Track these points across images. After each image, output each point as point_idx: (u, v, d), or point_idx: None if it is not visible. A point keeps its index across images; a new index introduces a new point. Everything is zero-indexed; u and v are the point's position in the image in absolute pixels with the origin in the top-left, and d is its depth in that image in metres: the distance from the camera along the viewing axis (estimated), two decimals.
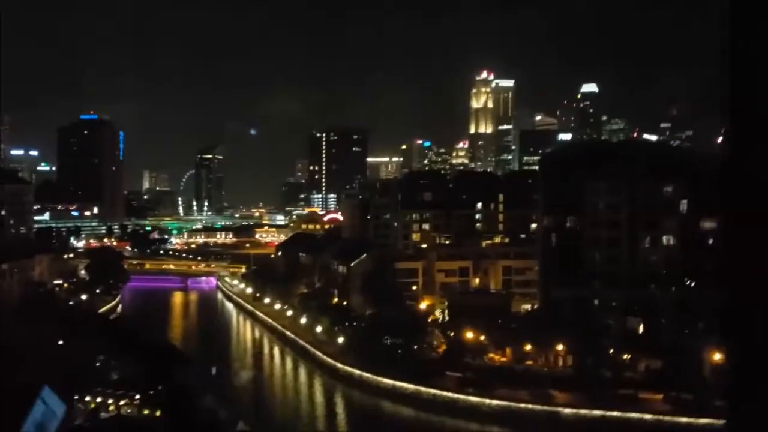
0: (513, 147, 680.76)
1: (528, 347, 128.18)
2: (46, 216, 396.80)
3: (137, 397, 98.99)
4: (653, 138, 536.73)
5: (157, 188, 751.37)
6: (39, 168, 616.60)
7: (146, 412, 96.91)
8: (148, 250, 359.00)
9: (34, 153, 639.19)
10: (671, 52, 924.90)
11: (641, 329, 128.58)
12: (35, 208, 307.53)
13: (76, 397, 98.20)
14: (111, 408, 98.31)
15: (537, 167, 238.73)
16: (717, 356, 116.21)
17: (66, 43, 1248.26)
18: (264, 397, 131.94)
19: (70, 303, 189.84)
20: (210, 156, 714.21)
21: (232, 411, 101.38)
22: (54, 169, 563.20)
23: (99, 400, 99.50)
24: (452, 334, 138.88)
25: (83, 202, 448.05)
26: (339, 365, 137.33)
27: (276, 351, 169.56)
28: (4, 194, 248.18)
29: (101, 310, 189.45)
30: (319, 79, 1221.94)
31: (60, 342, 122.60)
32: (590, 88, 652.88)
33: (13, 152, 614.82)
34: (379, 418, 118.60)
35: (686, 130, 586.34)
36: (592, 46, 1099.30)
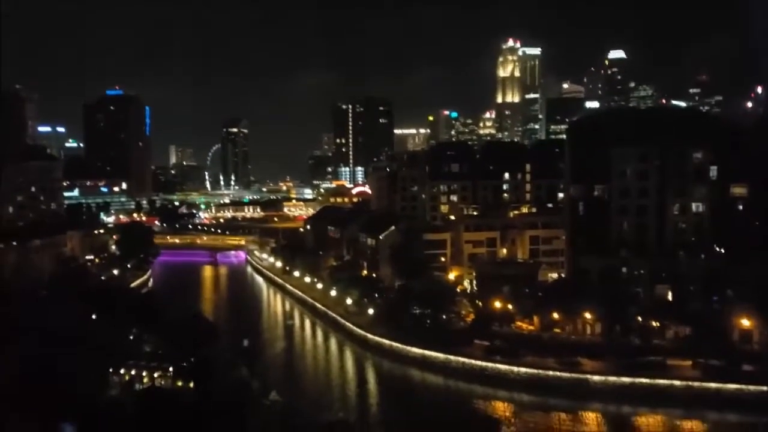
0: (540, 116, 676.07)
1: (555, 315, 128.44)
2: (76, 192, 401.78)
3: (170, 369, 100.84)
4: (682, 104, 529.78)
5: (184, 163, 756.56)
6: (67, 144, 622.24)
7: (179, 383, 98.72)
8: (177, 225, 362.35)
9: (61, 130, 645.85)
10: (700, 17, 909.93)
11: (670, 297, 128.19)
12: (64, 184, 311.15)
13: (110, 370, 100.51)
14: (145, 380, 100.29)
15: (564, 136, 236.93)
16: (745, 323, 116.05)
17: (91, 21, 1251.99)
18: (296, 368, 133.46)
19: (102, 278, 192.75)
20: (235, 130, 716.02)
21: (264, 382, 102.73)
22: (82, 145, 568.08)
23: (133, 372, 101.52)
24: (480, 304, 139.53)
25: (111, 178, 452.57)
26: (369, 336, 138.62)
27: (307, 323, 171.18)
28: (34, 171, 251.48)
29: (133, 285, 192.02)
30: (345, 51, 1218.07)
31: (93, 316, 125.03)
32: (618, 54, 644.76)
33: (41, 129, 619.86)
34: (408, 386, 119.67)
35: (715, 96, 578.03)
36: (619, 11, 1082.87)
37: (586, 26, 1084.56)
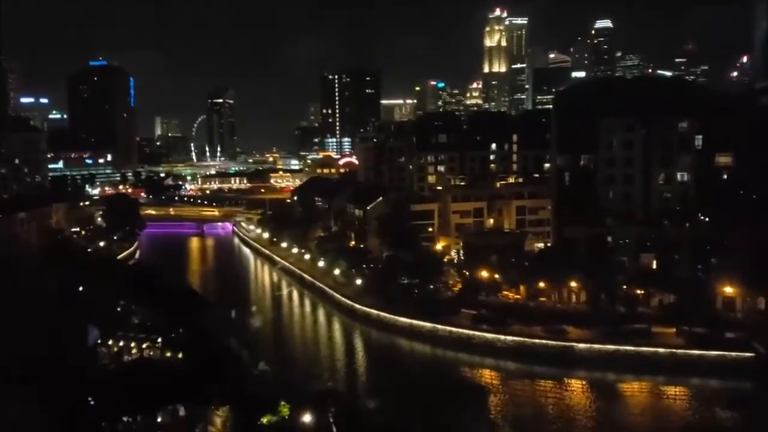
0: (527, 86, 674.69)
1: (541, 284, 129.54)
2: (60, 164, 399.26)
3: (159, 340, 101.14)
4: (668, 74, 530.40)
5: (170, 134, 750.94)
6: (51, 116, 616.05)
7: (168, 354, 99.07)
8: (163, 197, 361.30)
9: (44, 101, 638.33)
10: None
11: (654, 265, 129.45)
12: (48, 156, 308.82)
13: (99, 342, 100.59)
14: (134, 351, 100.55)
15: (551, 106, 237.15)
16: (729, 290, 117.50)
17: None
18: (284, 338, 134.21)
19: (89, 250, 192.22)
20: (221, 101, 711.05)
21: (253, 352, 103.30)
22: (65, 116, 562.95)
23: (122, 343, 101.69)
24: (467, 273, 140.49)
25: (96, 150, 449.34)
26: (357, 306, 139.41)
27: (294, 293, 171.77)
28: (17, 143, 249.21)
29: (120, 257, 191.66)
30: (331, 21, 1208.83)
31: (81, 288, 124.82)
32: (604, 24, 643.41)
33: (24, 100, 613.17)
34: (396, 355, 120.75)
35: (701, 65, 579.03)
36: None
37: None
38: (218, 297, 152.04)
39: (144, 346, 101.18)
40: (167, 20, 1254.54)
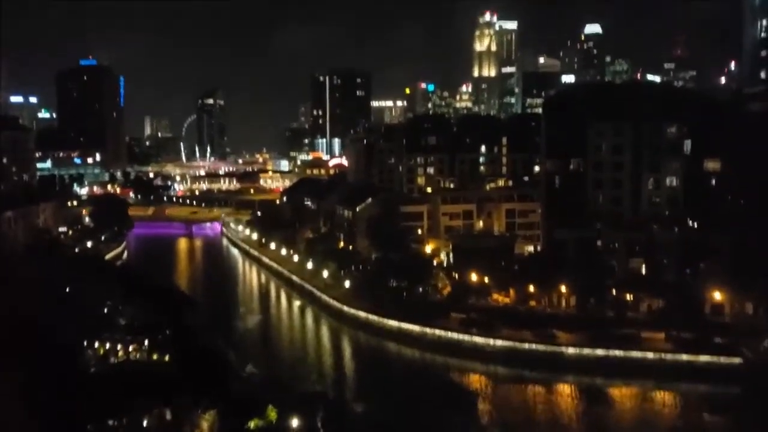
0: (516, 90, 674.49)
1: (531, 288, 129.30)
2: (48, 163, 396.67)
3: (146, 342, 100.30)
4: (657, 79, 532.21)
5: (159, 134, 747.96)
6: (39, 115, 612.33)
7: (155, 356, 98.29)
8: (152, 197, 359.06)
9: (33, 100, 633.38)
10: None
11: (644, 269, 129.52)
12: (37, 155, 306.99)
13: (85, 343, 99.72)
14: (120, 354, 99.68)
15: (540, 110, 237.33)
16: (717, 296, 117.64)
17: None
18: (272, 340, 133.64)
19: (76, 250, 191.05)
20: (211, 101, 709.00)
21: (241, 355, 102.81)
22: (54, 116, 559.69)
23: (108, 345, 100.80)
24: (457, 277, 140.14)
25: (85, 149, 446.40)
26: (345, 308, 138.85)
27: (283, 295, 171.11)
28: (5, 141, 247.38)
29: (107, 257, 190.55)
30: (322, 22, 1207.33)
31: (67, 289, 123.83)
32: (594, 29, 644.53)
33: (12, 99, 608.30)
34: (385, 358, 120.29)
35: (689, 71, 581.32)
36: None
37: (563, 1, 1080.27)
38: (206, 299, 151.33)
39: (130, 348, 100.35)
40: (158, 20, 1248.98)
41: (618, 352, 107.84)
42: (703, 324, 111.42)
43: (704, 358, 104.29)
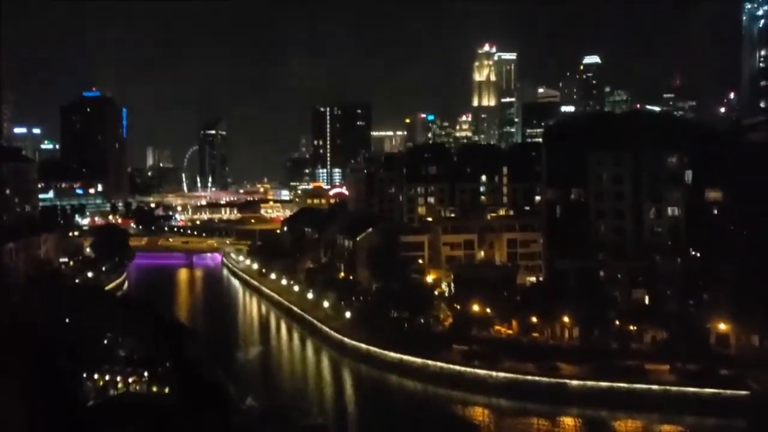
0: (516, 120, 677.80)
1: (534, 319, 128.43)
2: (51, 194, 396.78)
3: (145, 374, 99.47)
4: (656, 109, 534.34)
5: (161, 165, 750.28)
6: (43, 146, 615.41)
7: (155, 388, 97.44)
8: (153, 228, 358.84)
9: (37, 131, 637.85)
10: (674, 23, 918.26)
11: (647, 300, 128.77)
12: (39, 186, 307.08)
13: (84, 375, 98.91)
14: (120, 386, 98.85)
15: (540, 140, 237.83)
16: (722, 327, 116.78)
17: (67, 21, 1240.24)
18: (272, 371, 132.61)
19: (77, 281, 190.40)
20: (213, 132, 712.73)
21: (241, 387, 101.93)
22: (57, 147, 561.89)
23: (107, 377, 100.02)
24: (458, 307, 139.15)
25: (87, 180, 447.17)
26: (346, 340, 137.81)
27: (283, 326, 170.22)
28: (8, 173, 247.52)
29: (108, 288, 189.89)
30: (323, 55, 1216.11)
31: (67, 320, 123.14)
32: (593, 59, 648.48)
33: (17, 130, 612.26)
34: (386, 391, 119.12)
35: (689, 101, 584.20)
36: (594, 17, 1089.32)
37: (562, 32, 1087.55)
38: (206, 330, 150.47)
39: (130, 380, 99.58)
40: (161, 52, 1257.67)
41: (622, 384, 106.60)
42: (708, 355, 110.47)
43: (710, 390, 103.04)
